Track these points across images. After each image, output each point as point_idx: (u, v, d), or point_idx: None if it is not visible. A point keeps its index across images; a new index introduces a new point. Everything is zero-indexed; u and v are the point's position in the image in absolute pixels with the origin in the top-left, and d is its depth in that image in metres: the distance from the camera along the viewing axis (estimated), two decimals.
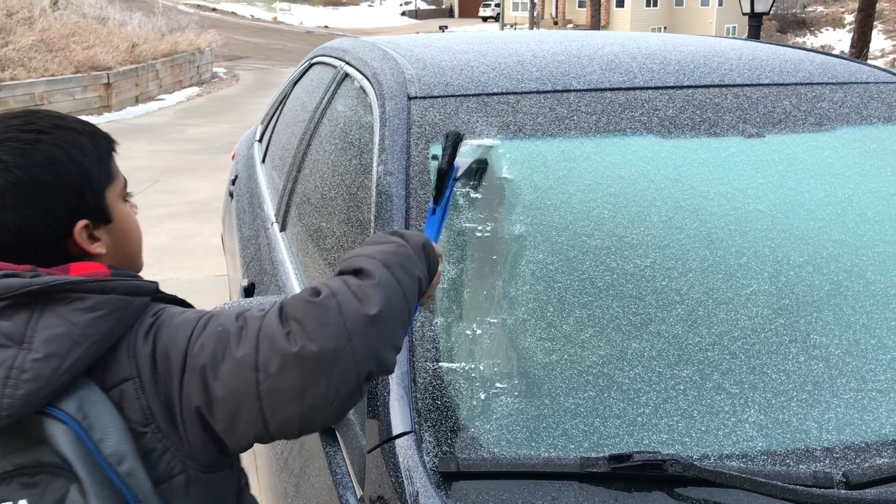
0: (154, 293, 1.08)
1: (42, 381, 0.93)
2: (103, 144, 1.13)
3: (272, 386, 0.96)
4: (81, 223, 1.07)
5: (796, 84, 1.91)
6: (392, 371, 1.05)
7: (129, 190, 1.19)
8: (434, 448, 1.16)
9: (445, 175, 1.40)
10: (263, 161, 3.33)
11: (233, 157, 4.25)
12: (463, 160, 1.50)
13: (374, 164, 1.63)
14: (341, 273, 1.06)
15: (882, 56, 33.67)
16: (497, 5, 57.24)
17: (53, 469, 0.95)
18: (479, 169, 1.55)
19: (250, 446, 1.03)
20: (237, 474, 1.16)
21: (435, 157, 1.50)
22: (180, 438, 1.01)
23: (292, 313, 0.98)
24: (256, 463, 2.16)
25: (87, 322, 0.98)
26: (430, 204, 1.41)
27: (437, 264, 1.18)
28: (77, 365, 0.96)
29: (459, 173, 1.48)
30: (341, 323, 0.96)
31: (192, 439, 1.01)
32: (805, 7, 42.41)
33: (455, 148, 1.42)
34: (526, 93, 1.77)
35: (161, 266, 5.67)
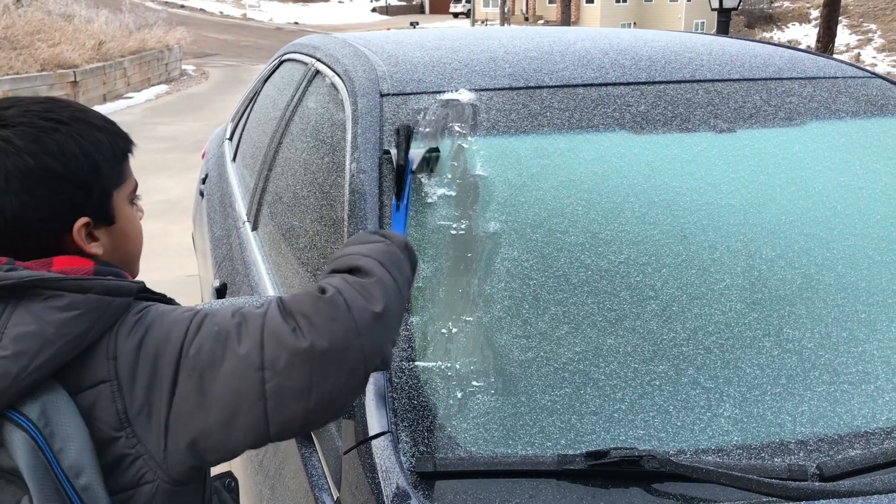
0: (138, 293, 1.03)
1: (8, 381, 0.89)
2: (120, 145, 1.11)
3: (279, 384, 0.94)
4: (82, 220, 1.04)
5: (766, 79, 1.92)
6: (390, 366, 1.06)
7: (138, 193, 1.17)
8: (411, 448, 1.15)
9: (403, 170, 1.43)
10: (234, 159, 3.30)
11: (203, 156, 4.21)
12: (415, 152, 1.51)
13: (347, 162, 1.61)
14: (335, 271, 1.05)
15: (847, 50, 34.14)
16: (468, 1, 57.26)
17: (9, 475, 0.90)
18: (433, 158, 1.55)
19: (242, 452, 0.99)
20: (204, 488, 1.12)
21: (387, 153, 1.54)
22: (158, 445, 0.96)
23: (298, 309, 0.96)
24: (230, 465, 2.14)
25: (62, 321, 0.93)
26: (393, 200, 1.42)
27: (416, 263, 1.16)
28: (47, 365, 0.92)
29: (415, 166, 1.48)
30: (350, 319, 0.96)
31: (171, 447, 0.96)
32: (772, 2, 42.90)
33: (408, 142, 1.46)
34: (499, 89, 1.77)
35: None
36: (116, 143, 1.10)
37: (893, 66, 29.69)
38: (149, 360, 0.96)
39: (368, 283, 1.01)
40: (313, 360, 0.94)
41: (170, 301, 1.10)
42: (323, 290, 0.98)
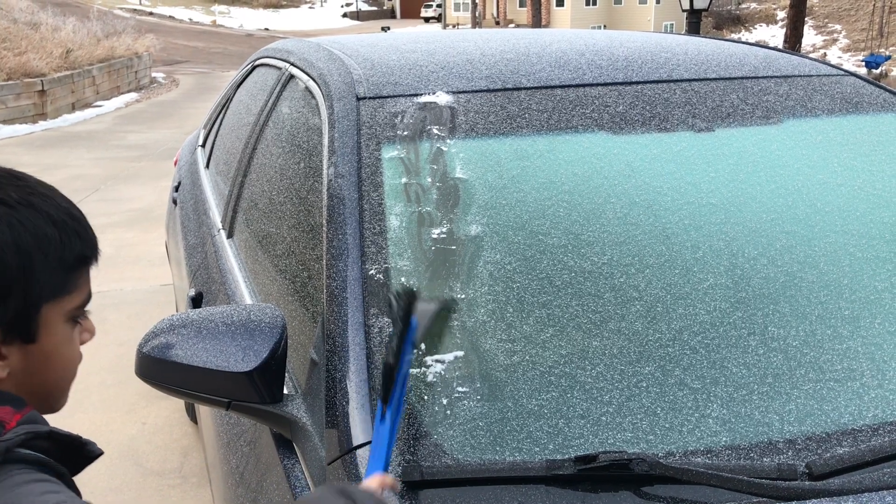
0: (7, 452, 0.79)
1: None
2: (75, 248, 0.90)
3: None
4: None
5: (742, 78, 1.93)
6: None
7: (88, 308, 0.95)
8: (397, 457, 1.12)
9: (393, 369, 1.07)
10: (207, 166, 3.26)
11: (175, 164, 4.15)
12: (423, 307, 1.18)
13: (325, 167, 1.59)
14: None
15: (813, 50, 34.65)
16: (439, 6, 57.37)
17: None
18: (446, 311, 1.27)
19: None
20: None
21: (381, 379, 1.10)
22: None
23: None
24: (210, 476, 2.10)
25: None
26: (378, 406, 1.08)
27: None
28: None
29: (420, 333, 1.15)
30: None
31: None
32: (739, 4, 43.42)
33: (408, 309, 1.10)
34: (476, 91, 1.75)
35: (104, 277, 5.51)
36: (71, 245, 0.89)
37: (858, 66, 30.18)
38: None
39: None
40: None
41: (62, 473, 0.85)
42: None
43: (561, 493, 1.07)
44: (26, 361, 0.88)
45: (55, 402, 0.96)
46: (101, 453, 0.93)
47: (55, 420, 0.90)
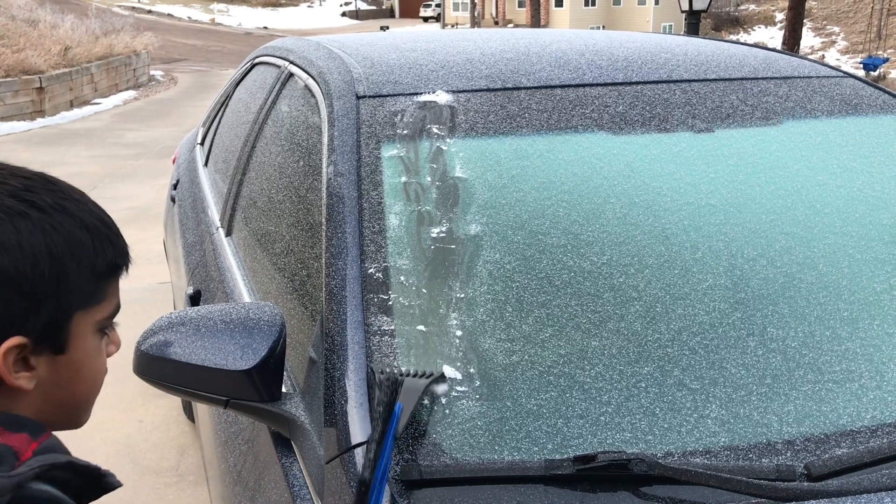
0: (18, 488, 0.74)
1: None
2: (108, 255, 0.87)
3: None
4: (14, 341, 0.79)
5: (742, 79, 1.93)
6: None
7: (116, 320, 0.92)
8: (395, 456, 1.12)
9: (373, 471, 1.01)
10: (206, 164, 3.25)
11: (173, 162, 4.15)
12: (412, 385, 1.13)
13: (324, 166, 1.59)
14: None
15: (812, 52, 34.69)
16: (437, 5, 57.41)
17: None
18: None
19: None
20: None
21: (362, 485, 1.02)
22: None
23: None
24: (207, 475, 2.10)
25: None
26: None
27: None
28: None
29: (401, 423, 1.09)
30: None
31: None
32: (738, 5, 43.48)
33: (392, 398, 1.06)
34: (476, 90, 1.75)
35: None
36: (104, 253, 0.87)
37: (857, 68, 30.23)
38: None
39: None
40: None
41: (95, 476, 0.84)
42: None
43: (559, 493, 1.07)
44: (54, 373, 0.85)
45: (79, 416, 0.94)
46: (119, 485, 0.90)
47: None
